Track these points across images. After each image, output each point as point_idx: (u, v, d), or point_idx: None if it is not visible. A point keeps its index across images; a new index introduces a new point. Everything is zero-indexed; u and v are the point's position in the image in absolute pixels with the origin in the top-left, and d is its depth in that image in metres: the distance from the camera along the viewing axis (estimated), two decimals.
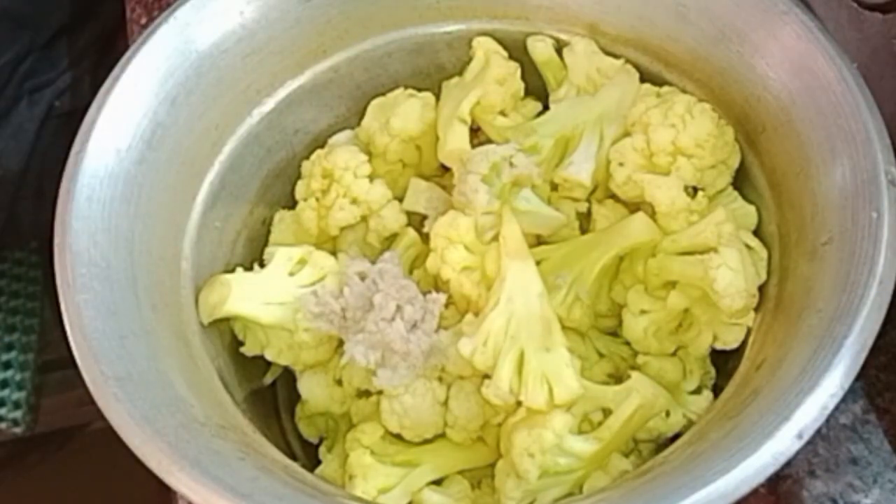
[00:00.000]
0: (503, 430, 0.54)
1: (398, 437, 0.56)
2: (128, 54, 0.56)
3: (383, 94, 0.64)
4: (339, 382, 0.59)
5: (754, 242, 0.55)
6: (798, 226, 0.53)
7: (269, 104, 0.62)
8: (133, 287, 0.52)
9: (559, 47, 0.62)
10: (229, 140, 0.61)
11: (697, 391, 0.57)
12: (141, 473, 0.46)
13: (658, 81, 0.60)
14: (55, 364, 1.09)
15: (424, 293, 0.55)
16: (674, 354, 0.58)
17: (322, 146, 0.64)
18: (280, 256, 0.58)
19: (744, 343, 0.55)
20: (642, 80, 0.60)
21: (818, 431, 0.44)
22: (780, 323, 0.52)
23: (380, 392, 0.56)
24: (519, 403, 0.53)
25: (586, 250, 0.57)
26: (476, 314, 0.54)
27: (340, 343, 0.57)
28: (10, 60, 0.95)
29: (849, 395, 0.57)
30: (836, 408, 0.44)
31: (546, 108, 0.62)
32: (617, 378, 0.57)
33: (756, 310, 0.54)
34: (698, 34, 0.58)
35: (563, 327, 0.54)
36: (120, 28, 0.87)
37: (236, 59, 0.59)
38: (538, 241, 0.59)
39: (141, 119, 0.55)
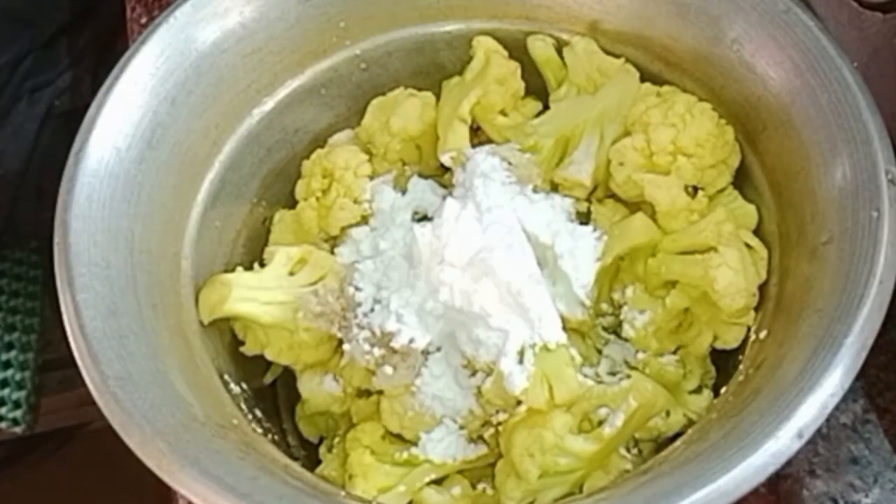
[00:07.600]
0: (503, 430, 0.54)
1: (398, 436, 0.56)
2: (128, 54, 0.56)
3: (383, 93, 0.64)
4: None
5: (754, 242, 0.55)
6: (798, 225, 0.53)
7: (269, 104, 0.62)
8: (133, 287, 0.52)
9: (559, 47, 0.62)
10: (229, 140, 0.61)
11: (697, 391, 0.57)
12: (141, 473, 0.46)
13: (658, 81, 0.60)
14: (55, 364, 1.09)
15: None
16: (674, 354, 0.58)
17: (322, 146, 0.64)
18: (280, 256, 0.58)
19: (744, 343, 0.55)
20: (642, 79, 0.60)
21: (818, 431, 0.44)
22: (780, 323, 0.52)
23: (380, 392, 0.56)
24: (519, 403, 0.53)
25: None
26: None
27: (340, 343, 0.57)
28: (10, 60, 0.95)
29: (849, 395, 0.57)
30: (837, 407, 0.44)
31: (546, 107, 0.62)
32: (617, 378, 0.57)
33: (756, 310, 0.54)
34: (698, 34, 0.58)
35: (564, 327, 0.54)
36: (120, 28, 0.87)
37: (236, 59, 0.59)
38: None
39: (141, 119, 0.55)
